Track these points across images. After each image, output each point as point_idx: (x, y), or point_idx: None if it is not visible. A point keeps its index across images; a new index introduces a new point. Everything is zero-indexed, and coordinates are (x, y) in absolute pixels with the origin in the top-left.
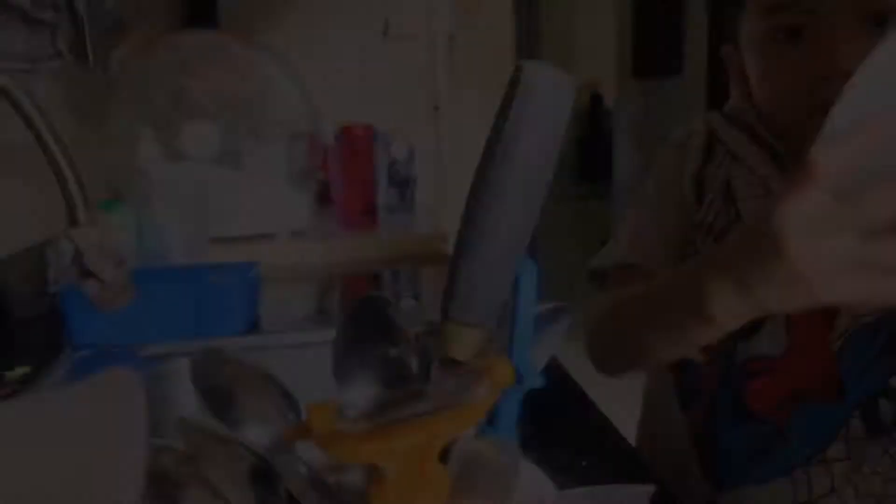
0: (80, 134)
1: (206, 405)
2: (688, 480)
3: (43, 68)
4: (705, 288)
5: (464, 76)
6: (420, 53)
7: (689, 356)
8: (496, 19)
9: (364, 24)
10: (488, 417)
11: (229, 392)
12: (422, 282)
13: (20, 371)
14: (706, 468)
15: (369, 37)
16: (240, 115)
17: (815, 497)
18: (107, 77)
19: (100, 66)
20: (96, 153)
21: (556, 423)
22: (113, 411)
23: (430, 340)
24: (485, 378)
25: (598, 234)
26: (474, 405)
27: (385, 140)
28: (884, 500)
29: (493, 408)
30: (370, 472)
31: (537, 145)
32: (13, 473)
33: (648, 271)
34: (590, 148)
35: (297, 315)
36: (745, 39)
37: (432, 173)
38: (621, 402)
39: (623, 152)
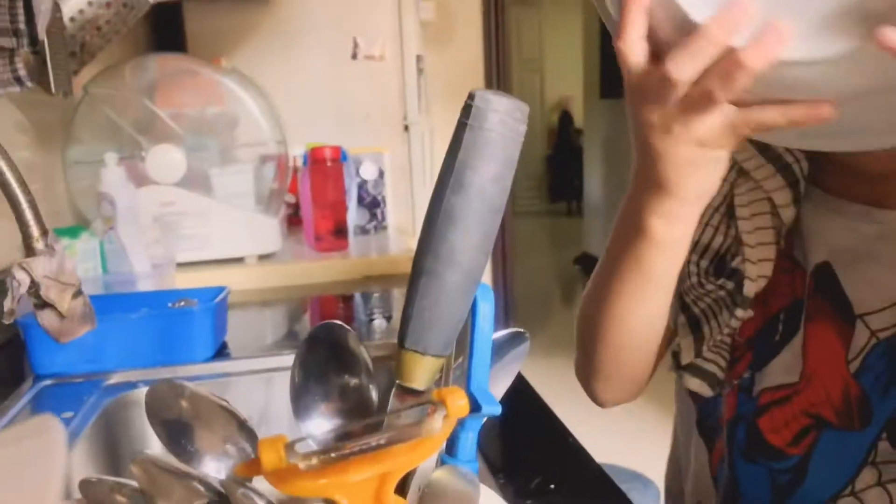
0: (44, 159)
1: (163, 439)
2: None
3: (2, 94)
4: (632, 208)
5: (434, 96)
6: (389, 75)
7: (653, 307)
8: (465, 40)
9: (333, 46)
10: (447, 446)
11: (186, 425)
12: (393, 302)
13: None
14: None
15: (338, 59)
16: (207, 139)
17: None
18: (71, 102)
19: (62, 91)
20: (60, 178)
21: (523, 445)
22: (30, 460)
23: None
24: (441, 408)
25: (571, 251)
26: (431, 436)
27: (355, 161)
28: None
29: (452, 437)
30: None
31: (490, 174)
32: None
33: None
34: (561, 166)
35: (267, 340)
36: None
37: (403, 193)
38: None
39: (593, 170)
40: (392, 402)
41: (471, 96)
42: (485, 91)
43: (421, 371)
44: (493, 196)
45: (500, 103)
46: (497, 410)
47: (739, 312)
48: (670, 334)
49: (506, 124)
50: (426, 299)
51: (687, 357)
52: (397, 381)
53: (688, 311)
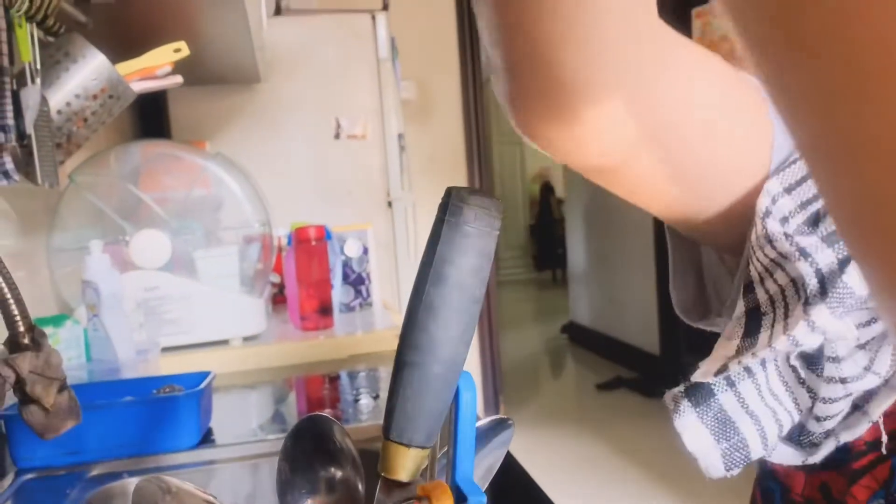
0: (27, 247)
1: None
2: None
3: None
4: None
5: (417, 170)
6: (372, 152)
7: None
8: (446, 117)
9: (316, 127)
10: None
11: None
12: (380, 381)
13: None
14: None
15: (321, 139)
16: (191, 222)
17: None
18: (55, 190)
19: (48, 182)
20: (44, 266)
21: None
22: None
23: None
24: (425, 502)
25: (558, 319)
26: None
27: (339, 238)
28: None
29: None
30: None
31: (468, 266)
32: None
33: None
34: (544, 235)
35: (253, 424)
36: None
37: (387, 269)
38: (578, 496)
39: (576, 239)
40: (378, 495)
41: (448, 193)
42: (461, 188)
43: (405, 463)
44: (471, 288)
45: (475, 200)
46: (482, 501)
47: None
48: None
49: (482, 220)
50: (409, 391)
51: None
52: (381, 475)
53: (751, 294)
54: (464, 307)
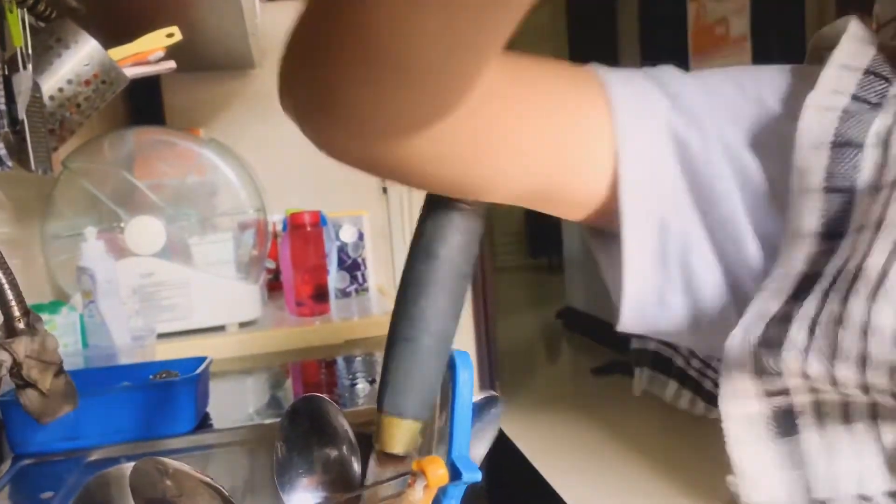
0: (22, 235)
1: None
2: None
3: None
4: None
5: None
6: None
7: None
8: None
9: None
10: None
11: (170, 503)
12: (376, 365)
13: None
14: None
15: None
16: (186, 208)
17: None
18: (49, 177)
19: (41, 168)
20: (39, 253)
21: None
22: None
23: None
24: (421, 478)
25: (553, 305)
26: None
27: (334, 224)
28: None
29: None
30: None
31: (454, 244)
32: None
33: None
34: (539, 222)
35: (250, 408)
36: None
37: (383, 255)
38: (575, 479)
39: (571, 225)
40: (371, 467)
41: None
42: None
43: (399, 435)
44: (459, 264)
45: None
46: (477, 477)
47: None
48: None
49: (466, 199)
50: (401, 364)
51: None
52: (376, 447)
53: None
54: (452, 283)
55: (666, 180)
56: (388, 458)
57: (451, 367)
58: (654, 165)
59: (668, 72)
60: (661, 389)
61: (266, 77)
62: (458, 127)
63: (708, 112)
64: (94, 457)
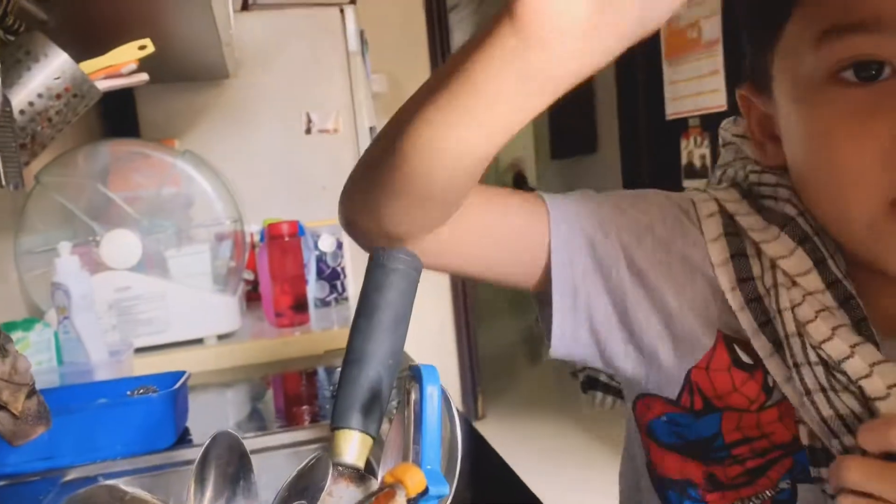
0: None
1: None
2: None
3: None
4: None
5: None
6: (344, 147)
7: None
8: None
9: (287, 123)
10: None
11: None
12: None
13: None
14: None
15: (292, 135)
16: (162, 221)
17: None
18: (22, 191)
19: (12, 183)
20: (12, 269)
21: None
22: None
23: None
24: (400, 488)
25: (533, 310)
26: None
27: (313, 234)
28: None
29: None
30: None
31: (395, 301)
32: None
33: None
34: None
35: (230, 422)
36: (785, 80)
37: (363, 263)
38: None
39: None
40: (330, 485)
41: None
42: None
43: (348, 446)
44: (398, 310)
45: (401, 251)
46: (445, 491)
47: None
48: None
49: (398, 262)
50: (347, 382)
51: None
52: (331, 461)
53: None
54: (393, 324)
55: (578, 261)
56: (344, 473)
57: (418, 381)
58: (571, 254)
59: (590, 194)
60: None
61: (241, 87)
62: (448, 232)
63: (613, 222)
64: (70, 476)
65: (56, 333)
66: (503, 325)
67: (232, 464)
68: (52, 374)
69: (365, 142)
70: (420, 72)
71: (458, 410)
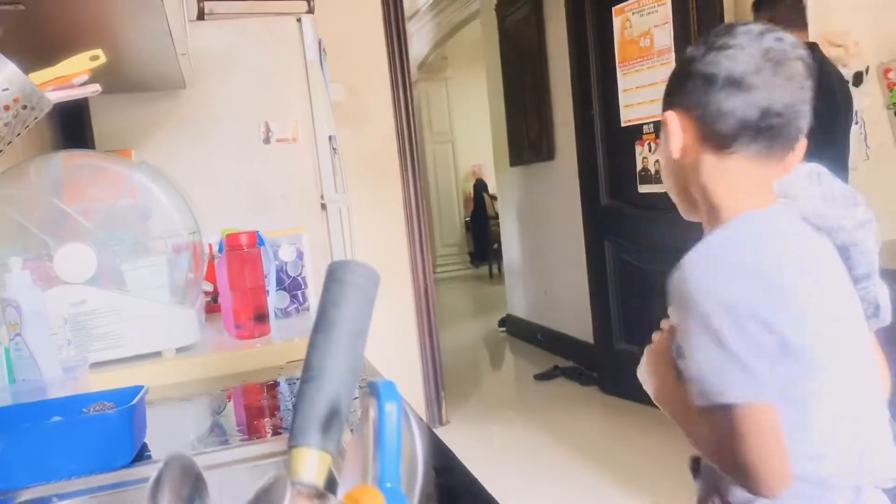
0: None
1: None
2: None
3: None
4: None
5: (350, 172)
6: (304, 156)
7: None
8: (378, 117)
9: (244, 132)
10: None
11: None
12: None
13: None
14: None
15: (251, 144)
16: (119, 233)
17: None
18: None
19: None
20: None
21: None
22: None
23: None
24: None
25: (496, 313)
26: None
27: (272, 244)
28: None
29: None
30: None
31: (352, 316)
32: None
33: None
34: (480, 231)
35: (190, 436)
36: None
37: (324, 272)
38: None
39: (510, 234)
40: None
41: (330, 265)
42: (342, 261)
43: (306, 464)
44: (355, 323)
45: (357, 265)
46: None
47: None
48: None
49: (355, 275)
50: (304, 401)
51: None
52: (289, 481)
53: None
54: (348, 343)
55: None
56: (302, 492)
57: (377, 398)
58: None
59: None
60: None
61: (197, 97)
62: None
63: None
64: (23, 498)
65: (7, 351)
66: (466, 327)
67: (186, 486)
68: (3, 393)
69: (325, 150)
70: (379, 80)
71: (420, 421)
